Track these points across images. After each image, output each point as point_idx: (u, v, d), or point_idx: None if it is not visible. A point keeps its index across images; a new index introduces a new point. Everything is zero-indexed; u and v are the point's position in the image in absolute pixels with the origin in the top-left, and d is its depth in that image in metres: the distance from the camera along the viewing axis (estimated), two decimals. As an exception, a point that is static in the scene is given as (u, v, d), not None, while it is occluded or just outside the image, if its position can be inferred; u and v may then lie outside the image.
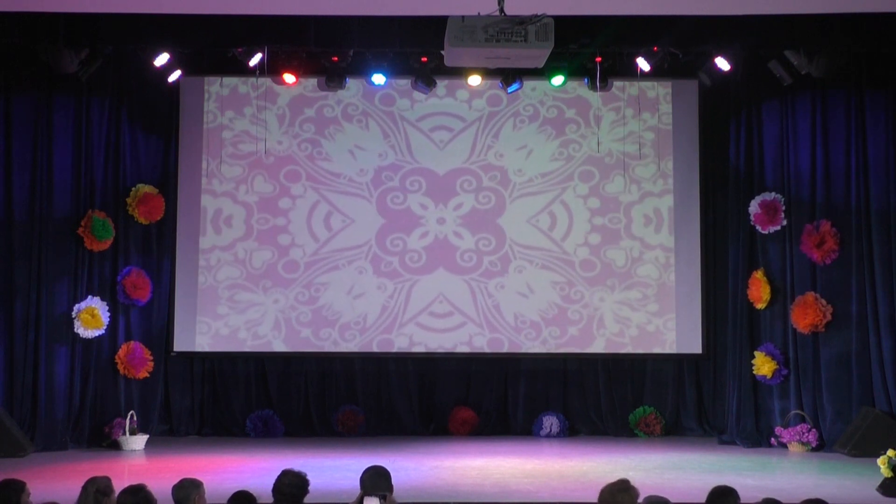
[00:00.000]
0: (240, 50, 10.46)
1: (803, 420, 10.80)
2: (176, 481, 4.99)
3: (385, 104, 11.92)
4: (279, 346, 11.67)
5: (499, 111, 11.96)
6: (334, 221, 11.80)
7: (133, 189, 11.44)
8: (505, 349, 11.71)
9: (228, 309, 11.64)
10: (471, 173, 11.90)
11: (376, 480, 5.10)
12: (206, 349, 11.66)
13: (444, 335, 11.72)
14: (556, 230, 11.82)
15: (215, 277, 11.66)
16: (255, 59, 10.34)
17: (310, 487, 5.24)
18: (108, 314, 11.08)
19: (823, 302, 10.72)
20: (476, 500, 7.89)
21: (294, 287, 11.69)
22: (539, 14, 6.86)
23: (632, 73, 11.06)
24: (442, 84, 11.68)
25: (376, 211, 11.81)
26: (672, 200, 11.81)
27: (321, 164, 11.85)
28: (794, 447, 10.63)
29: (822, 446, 10.58)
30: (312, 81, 11.74)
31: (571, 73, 11.19)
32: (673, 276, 11.75)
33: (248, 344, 11.66)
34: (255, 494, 4.88)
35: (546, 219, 11.83)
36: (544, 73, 10.98)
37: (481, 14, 6.87)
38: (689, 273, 11.77)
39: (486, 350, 11.72)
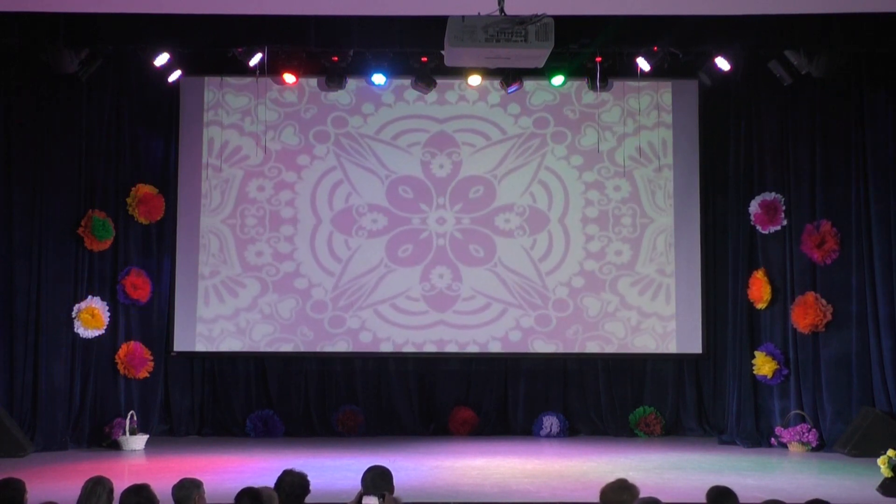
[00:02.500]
0: (240, 50, 10.47)
1: (803, 420, 10.80)
2: (176, 481, 4.99)
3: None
4: (279, 346, 11.68)
5: (542, 133, 11.96)
6: (341, 190, 11.81)
7: (133, 189, 11.44)
8: (553, 325, 11.70)
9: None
10: (484, 182, 11.93)
11: (378, 480, 5.10)
12: (207, 349, 11.67)
13: (489, 327, 11.74)
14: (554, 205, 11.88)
15: (251, 337, 11.66)
16: (255, 59, 10.35)
17: (310, 487, 5.26)
18: (108, 314, 11.08)
19: (824, 302, 10.72)
20: (476, 500, 7.88)
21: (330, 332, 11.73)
22: (539, 14, 6.86)
23: (632, 73, 11.06)
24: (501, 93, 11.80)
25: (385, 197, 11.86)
26: (672, 201, 11.81)
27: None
28: (794, 447, 10.63)
29: (822, 446, 10.58)
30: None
31: (571, 73, 11.20)
32: (673, 275, 11.75)
33: (249, 344, 11.66)
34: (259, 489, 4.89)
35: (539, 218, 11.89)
36: (544, 73, 10.98)
37: (481, 14, 6.87)
38: (689, 273, 11.77)
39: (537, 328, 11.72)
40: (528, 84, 11.65)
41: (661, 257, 11.81)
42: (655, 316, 11.75)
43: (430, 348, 11.75)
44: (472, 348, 11.75)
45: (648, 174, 11.86)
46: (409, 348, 11.74)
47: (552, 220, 11.84)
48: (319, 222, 11.78)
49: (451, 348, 11.76)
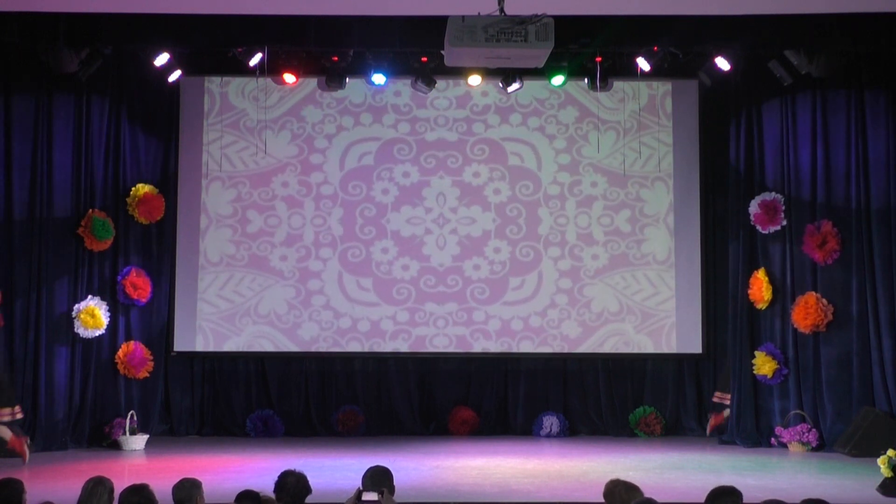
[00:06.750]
0: (240, 50, 10.47)
1: (803, 420, 10.80)
2: (176, 481, 4.99)
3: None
4: (279, 347, 11.68)
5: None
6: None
7: (133, 189, 11.44)
8: (554, 324, 11.74)
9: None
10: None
11: (378, 478, 5.11)
12: (207, 349, 11.67)
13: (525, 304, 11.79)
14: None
15: (251, 337, 11.68)
16: (255, 59, 10.35)
17: (310, 487, 5.26)
18: (108, 314, 11.08)
19: (824, 302, 10.71)
20: (476, 500, 7.88)
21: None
22: (539, 14, 6.87)
23: (632, 73, 11.07)
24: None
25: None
26: (672, 201, 11.81)
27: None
28: (794, 447, 10.62)
29: (822, 446, 10.57)
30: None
31: (571, 73, 11.19)
32: (673, 274, 11.76)
33: (248, 344, 11.66)
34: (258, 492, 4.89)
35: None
36: (544, 72, 10.98)
37: (481, 14, 6.88)
38: (689, 273, 11.77)
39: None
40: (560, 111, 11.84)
41: (661, 258, 11.81)
42: (655, 316, 11.75)
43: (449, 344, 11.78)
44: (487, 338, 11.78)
45: (648, 174, 11.86)
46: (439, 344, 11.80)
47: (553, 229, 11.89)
48: (334, 266, 11.81)
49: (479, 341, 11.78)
